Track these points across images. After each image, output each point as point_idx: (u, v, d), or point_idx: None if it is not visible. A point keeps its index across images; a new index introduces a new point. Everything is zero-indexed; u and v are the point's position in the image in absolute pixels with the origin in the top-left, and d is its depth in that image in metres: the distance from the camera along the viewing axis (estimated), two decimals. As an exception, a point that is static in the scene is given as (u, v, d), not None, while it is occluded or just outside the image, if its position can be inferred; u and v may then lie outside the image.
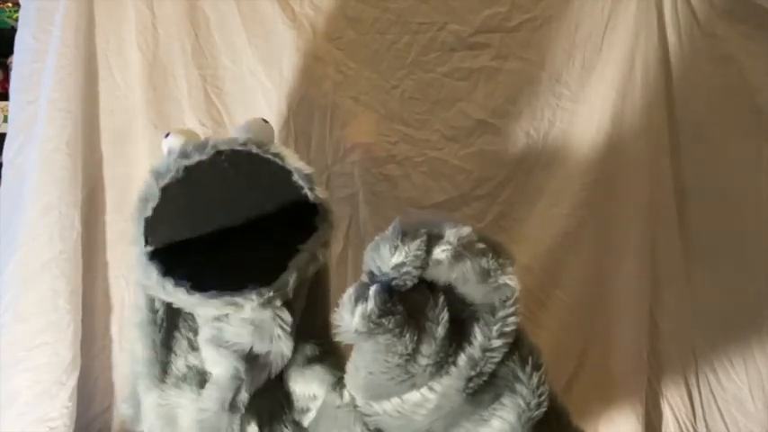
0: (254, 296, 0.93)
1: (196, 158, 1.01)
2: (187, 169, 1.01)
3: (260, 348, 0.98)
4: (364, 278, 0.87)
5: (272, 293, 0.94)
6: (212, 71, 1.58)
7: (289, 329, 0.99)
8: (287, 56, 1.57)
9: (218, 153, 1.02)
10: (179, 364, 1.03)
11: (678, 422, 1.63)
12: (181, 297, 0.95)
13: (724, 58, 1.58)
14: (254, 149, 1.02)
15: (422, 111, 1.62)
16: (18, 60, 1.55)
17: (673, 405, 1.63)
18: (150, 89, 1.56)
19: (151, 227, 1.00)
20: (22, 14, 1.55)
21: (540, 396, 0.87)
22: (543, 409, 0.87)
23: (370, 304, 0.81)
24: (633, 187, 1.60)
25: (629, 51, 1.59)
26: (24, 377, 1.46)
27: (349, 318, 0.82)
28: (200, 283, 0.95)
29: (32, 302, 1.46)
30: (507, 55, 1.61)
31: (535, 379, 0.87)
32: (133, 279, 1.11)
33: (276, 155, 1.03)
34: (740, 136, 1.60)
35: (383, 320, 0.81)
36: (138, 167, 1.56)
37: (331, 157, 1.61)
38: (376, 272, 0.85)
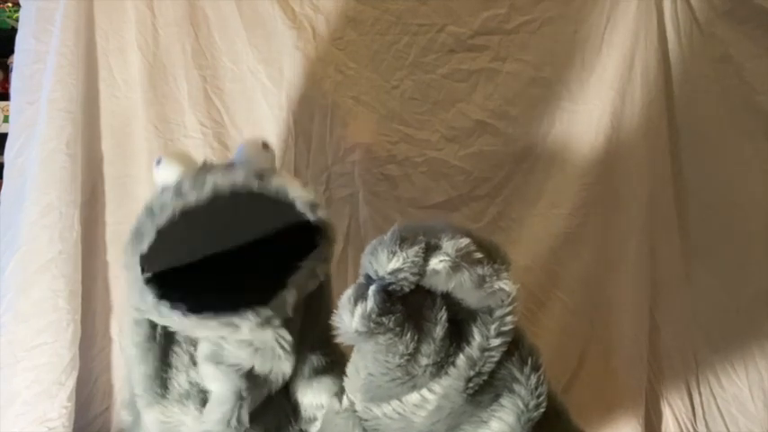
0: (251, 316, 0.91)
1: (193, 199, 0.95)
2: (183, 210, 0.95)
3: (261, 368, 0.97)
4: (361, 280, 0.86)
5: (270, 313, 0.93)
6: (212, 71, 1.58)
7: (289, 349, 0.98)
8: (287, 56, 1.57)
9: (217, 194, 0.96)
10: (181, 380, 1.01)
11: (678, 422, 1.62)
12: (176, 320, 0.93)
13: (724, 58, 1.58)
14: (255, 187, 0.97)
15: (422, 111, 1.62)
16: (19, 61, 1.54)
17: (673, 405, 1.63)
18: (150, 89, 1.55)
19: (147, 258, 0.95)
20: (22, 14, 1.54)
21: (538, 397, 0.87)
22: (542, 410, 0.87)
23: (370, 303, 0.81)
24: (633, 188, 1.60)
25: (629, 51, 1.58)
26: (24, 377, 1.46)
27: (349, 318, 0.82)
28: (197, 304, 0.92)
29: (32, 302, 1.46)
30: (506, 56, 1.61)
31: (533, 380, 0.87)
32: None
33: (277, 190, 0.98)
34: (740, 136, 1.59)
35: (383, 319, 0.81)
36: (138, 167, 1.57)
37: (331, 156, 1.61)
38: (373, 275, 0.85)
